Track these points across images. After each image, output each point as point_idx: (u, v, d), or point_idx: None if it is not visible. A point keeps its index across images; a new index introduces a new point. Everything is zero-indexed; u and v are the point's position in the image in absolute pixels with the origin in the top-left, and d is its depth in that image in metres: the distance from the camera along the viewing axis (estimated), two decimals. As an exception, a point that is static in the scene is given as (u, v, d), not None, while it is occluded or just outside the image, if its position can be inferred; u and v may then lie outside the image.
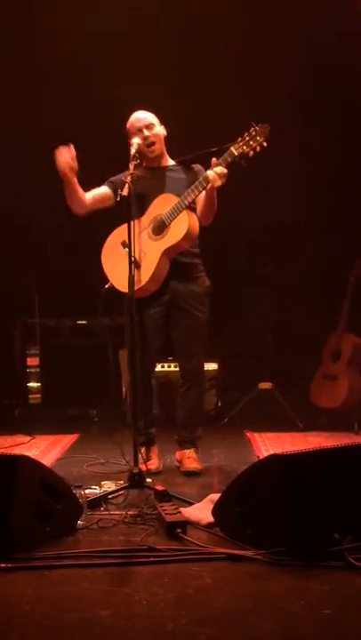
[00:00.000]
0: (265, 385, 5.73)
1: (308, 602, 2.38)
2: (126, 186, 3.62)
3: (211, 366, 5.98)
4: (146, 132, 4.06)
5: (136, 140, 3.95)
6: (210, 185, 3.80)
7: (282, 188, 5.97)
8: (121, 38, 5.71)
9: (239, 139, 3.71)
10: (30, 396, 6.22)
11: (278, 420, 5.53)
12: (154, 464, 4.16)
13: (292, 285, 6.13)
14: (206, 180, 3.81)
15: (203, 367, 4.37)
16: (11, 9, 5.65)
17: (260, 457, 4.26)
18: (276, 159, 5.80)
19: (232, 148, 3.73)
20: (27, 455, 3.01)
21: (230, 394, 6.16)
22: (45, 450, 4.83)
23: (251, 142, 3.68)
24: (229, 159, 3.75)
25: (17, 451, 4.58)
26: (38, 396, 6.23)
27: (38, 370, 6.24)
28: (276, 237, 5.93)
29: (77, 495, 3.18)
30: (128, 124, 4.14)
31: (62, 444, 5.04)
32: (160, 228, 3.98)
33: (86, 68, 5.73)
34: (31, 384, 6.22)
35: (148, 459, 4.10)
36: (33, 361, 6.23)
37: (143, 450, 4.14)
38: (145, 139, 4.05)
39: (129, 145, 4.03)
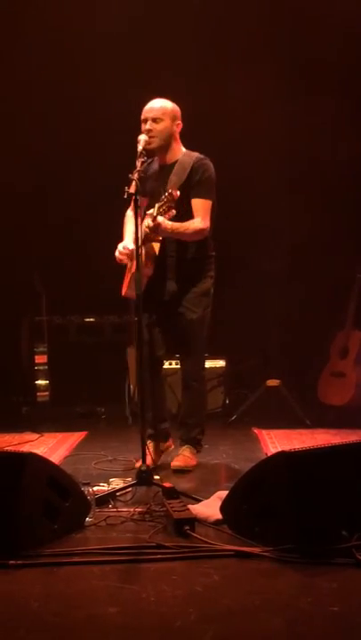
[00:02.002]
0: (273, 382, 5.72)
1: (316, 599, 2.38)
2: (133, 183, 3.63)
3: (218, 364, 5.98)
4: (148, 126, 4.00)
5: (143, 137, 3.93)
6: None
7: (289, 184, 5.96)
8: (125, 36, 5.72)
9: (162, 197, 3.84)
10: (38, 394, 6.22)
11: (286, 417, 5.52)
12: (150, 460, 4.11)
13: (300, 282, 6.11)
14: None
15: (200, 367, 4.32)
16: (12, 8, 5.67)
17: (268, 454, 4.26)
18: (281, 154, 5.88)
19: (156, 205, 3.86)
20: (35, 453, 3.02)
21: (238, 391, 6.16)
22: (53, 447, 4.84)
23: (163, 207, 3.80)
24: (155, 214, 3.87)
25: (25, 448, 4.60)
26: (46, 393, 6.23)
27: (46, 367, 6.24)
28: (282, 234, 5.91)
29: (85, 492, 3.19)
30: (144, 108, 4.08)
31: (70, 441, 5.04)
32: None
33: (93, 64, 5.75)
34: (39, 382, 6.22)
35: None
36: (41, 358, 6.23)
37: (150, 444, 4.14)
38: (146, 131, 3.99)
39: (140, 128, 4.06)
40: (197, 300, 4.16)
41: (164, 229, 3.89)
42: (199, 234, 4.05)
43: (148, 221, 3.86)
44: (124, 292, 4.26)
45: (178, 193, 3.79)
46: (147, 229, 3.86)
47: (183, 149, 4.16)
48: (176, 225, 3.93)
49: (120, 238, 4.28)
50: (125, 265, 4.22)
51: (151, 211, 3.89)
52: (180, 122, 4.10)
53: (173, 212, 3.79)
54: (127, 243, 4.13)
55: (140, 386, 3.75)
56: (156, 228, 3.85)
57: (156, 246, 4.02)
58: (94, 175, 4.53)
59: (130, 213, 4.28)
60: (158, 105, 4.05)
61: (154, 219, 3.84)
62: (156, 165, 4.16)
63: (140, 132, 4.00)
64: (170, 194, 3.78)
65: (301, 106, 5.88)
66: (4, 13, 5.71)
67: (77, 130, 5.91)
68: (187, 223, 4.00)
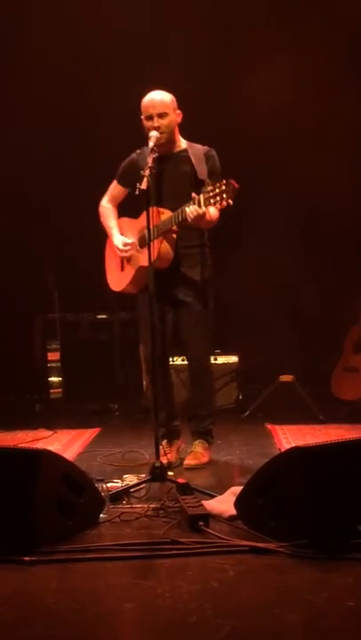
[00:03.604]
0: (286, 378, 5.71)
1: (332, 594, 2.37)
2: (145, 180, 3.62)
3: (231, 359, 5.99)
4: (156, 123, 3.97)
5: (154, 134, 3.91)
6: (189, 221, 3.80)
7: (299, 182, 5.93)
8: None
9: (210, 188, 3.69)
10: (51, 391, 6.25)
11: (299, 412, 5.51)
12: (170, 457, 4.13)
13: (313, 277, 6.10)
14: (184, 215, 3.80)
15: (208, 358, 4.34)
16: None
17: (282, 449, 4.24)
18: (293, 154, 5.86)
19: (201, 196, 3.72)
20: (49, 449, 3.03)
21: (251, 387, 6.16)
22: (67, 444, 4.85)
23: (217, 197, 3.65)
24: (202, 204, 3.74)
25: (39, 445, 4.61)
26: (59, 390, 6.25)
27: (59, 364, 6.26)
28: (294, 228, 5.90)
29: (99, 489, 3.19)
30: (143, 104, 4.04)
31: (84, 438, 5.05)
32: (142, 243, 3.99)
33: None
34: (52, 379, 6.25)
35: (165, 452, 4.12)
36: (53, 356, 6.26)
37: (165, 442, 4.14)
38: (154, 128, 3.96)
39: (140, 121, 4.05)
40: (203, 290, 4.15)
41: (203, 219, 3.83)
42: (215, 222, 4.03)
43: (192, 208, 3.75)
44: (121, 287, 4.23)
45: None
46: (191, 216, 3.75)
47: (182, 139, 4.15)
48: (211, 213, 3.86)
49: (102, 232, 4.30)
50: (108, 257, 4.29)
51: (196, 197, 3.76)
52: (179, 111, 4.07)
53: (230, 202, 3.62)
54: (124, 238, 4.16)
55: (152, 381, 3.75)
56: (202, 217, 3.79)
57: (171, 244, 3.99)
58: (107, 174, 4.54)
59: (108, 206, 4.32)
60: (160, 98, 4.02)
61: (199, 206, 3.72)
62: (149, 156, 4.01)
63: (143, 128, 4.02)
64: (230, 184, 3.59)
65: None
66: (7, 9, 5.70)
67: (90, 131, 5.91)
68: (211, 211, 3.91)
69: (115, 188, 4.33)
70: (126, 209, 4.30)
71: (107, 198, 4.36)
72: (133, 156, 4.21)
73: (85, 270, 6.17)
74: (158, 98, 4.02)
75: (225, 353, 5.94)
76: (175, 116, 4.05)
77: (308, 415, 5.45)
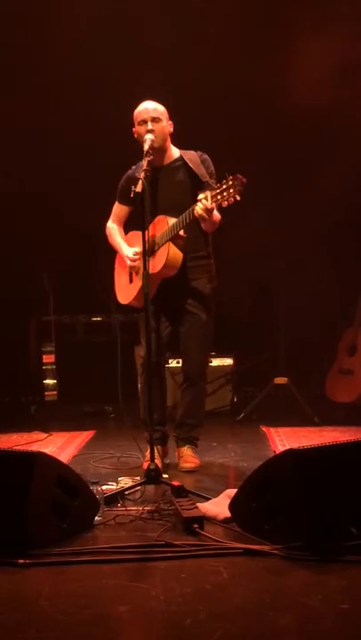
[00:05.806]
0: (280, 380, 5.71)
1: (326, 596, 2.37)
2: (140, 183, 3.62)
3: (226, 362, 5.98)
4: (150, 126, 3.99)
5: (149, 137, 3.92)
6: (199, 217, 3.77)
7: (300, 184, 5.94)
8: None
9: (217, 185, 3.66)
10: (46, 393, 6.24)
11: (294, 414, 5.52)
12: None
13: (307, 279, 6.10)
14: (193, 213, 3.76)
15: (204, 368, 4.32)
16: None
17: (277, 452, 4.24)
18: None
19: (209, 193, 3.68)
20: (44, 452, 3.02)
21: (246, 389, 6.17)
22: (62, 447, 4.85)
23: (224, 194, 3.60)
24: (209, 200, 3.69)
25: (34, 448, 4.61)
26: (54, 392, 6.24)
27: (54, 367, 6.25)
28: (290, 230, 5.90)
29: (94, 491, 3.19)
30: (135, 113, 4.08)
31: (78, 440, 5.05)
32: (149, 252, 3.98)
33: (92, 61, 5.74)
34: (47, 381, 6.24)
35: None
36: (48, 358, 6.25)
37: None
38: (148, 131, 3.97)
39: (133, 133, 4.07)
40: (206, 301, 4.15)
41: (211, 217, 3.79)
42: (217, 224, 4.03)
43: (200, 204, 3.70)
44: (128, 300, 4.24)
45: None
46: (200, 211, 3.70)
47: (175, 148, 4.16)
48: (215, 214, 3.84)
49: (112, 252, 4.31)
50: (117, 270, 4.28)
51: (202, 195, 3.73)
52: (171, 122, 4.11)
53: (238, 197, 3.56)
54: (134, 248, 4.15)
55: (147, 388, 3.73)
56: (210, 213, 3.73)
57: (179, 249, 3.97)
58: (103, 176, 4.55)
59: (113, 225, 4.36)
60: (153, 106, 4.06)
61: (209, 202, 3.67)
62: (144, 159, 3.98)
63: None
64: (238, 179, 3.54)
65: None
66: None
67: (89, 133, 5.91)
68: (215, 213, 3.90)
69: (117, 208, 4.36)
70: (135, 222, 4.30)
71: (111, 219, 4.38)
72: (130, 172, 4.23)
73: (81, 272, 6.20)
74: (152, 105, 4.07)
75: (220, 355, 5.95)
76: (167, 125, 4.08)
77: (303, 417, 5.45)
